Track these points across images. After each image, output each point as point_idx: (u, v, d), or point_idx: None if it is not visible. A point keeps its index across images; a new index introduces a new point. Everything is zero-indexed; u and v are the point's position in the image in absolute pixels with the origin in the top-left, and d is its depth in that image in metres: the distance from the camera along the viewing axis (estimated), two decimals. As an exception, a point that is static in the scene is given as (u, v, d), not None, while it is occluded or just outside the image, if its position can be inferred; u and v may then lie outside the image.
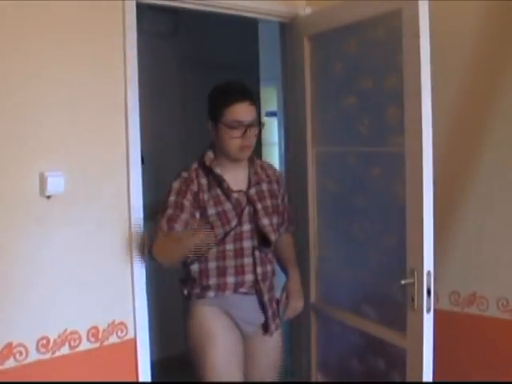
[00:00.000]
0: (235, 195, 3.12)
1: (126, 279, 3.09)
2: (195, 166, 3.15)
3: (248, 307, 3.17)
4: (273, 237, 3.21)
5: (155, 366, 3.55)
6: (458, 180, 3.54)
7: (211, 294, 3.12)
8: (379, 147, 3.24)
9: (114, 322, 3.04)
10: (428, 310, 2.85)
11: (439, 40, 3.04)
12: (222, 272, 3.10)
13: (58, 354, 2.88)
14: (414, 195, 2.86)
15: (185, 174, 3.11)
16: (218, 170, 3.10)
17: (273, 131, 7.84)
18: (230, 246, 3.10)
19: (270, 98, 7.68)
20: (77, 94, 2.90)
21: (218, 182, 3.11)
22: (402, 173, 2.93)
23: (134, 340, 3.12)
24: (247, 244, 3.14)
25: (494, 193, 3.43)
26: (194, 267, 3.12)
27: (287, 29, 3.90)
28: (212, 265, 3.11)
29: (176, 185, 3.08)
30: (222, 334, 3.12)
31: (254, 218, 3.15)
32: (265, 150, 6.91)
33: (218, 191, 3.11)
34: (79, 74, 2.91)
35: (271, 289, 3.26)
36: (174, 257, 2.95)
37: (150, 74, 4.85)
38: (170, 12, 4.95)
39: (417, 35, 2.82)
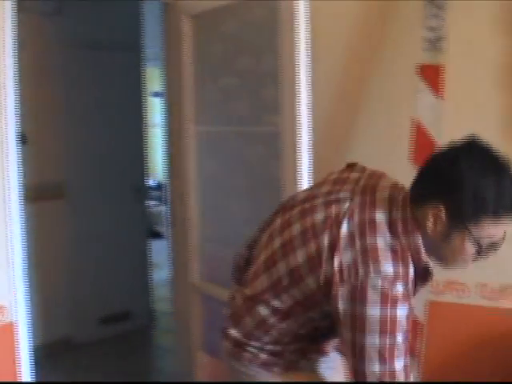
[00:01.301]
0: None
1: (3, 261, 3.02)
2: (411, 271, 1.93)
3: None
4: None
5: (39, 351, 3.51)
6: (335, 157, 3.61)
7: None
8: (257, 126, 3.27)
9: (-9, 305, 2.98)
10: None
11: (315, 21, 3.09)
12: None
13: None
14: (290, 173, 2.91)
15: (401, 288, 1.88)
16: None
17: (157, 112, 7.83)
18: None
19: (156, 78, 7.66)
20: None
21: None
22: (277, 152, 2.97)
23: (13, 324, 3.05)
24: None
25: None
26: None
27: (169, 8, 3.87)
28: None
29: (401, 316, 1.86)
30: None
31: None
32: (148, 132, 6.87)
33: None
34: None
35: None
36: None
37: (31, 54, 4.76)
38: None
39: (293, 15, 2.86)
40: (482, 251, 1.90)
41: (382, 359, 1.85)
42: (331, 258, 1.92)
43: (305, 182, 2.86)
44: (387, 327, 1.83)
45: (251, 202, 3.36)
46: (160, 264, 6.40)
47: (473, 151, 1.90)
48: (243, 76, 3.33)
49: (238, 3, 3.29)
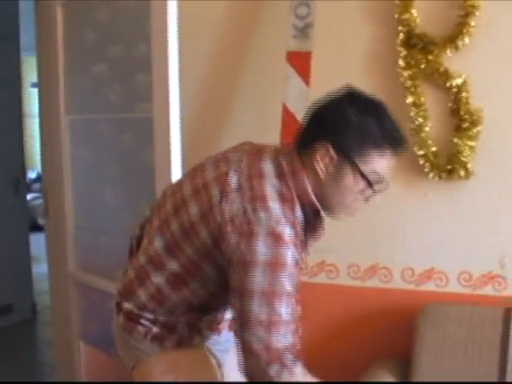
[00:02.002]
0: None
1: None
2: (298, 213, 2.02)
3: None
4: None
5: None
6: (206, 144, 3.64)
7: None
8: (129, 113, 3.27)
9: None
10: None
11: (187, 10, 3.12)
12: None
13: None
14: (162, 161, 2.91)
15: (289, 231, 1.94)
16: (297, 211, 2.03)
17: (35, 102, 7.67)
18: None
19: (34, 69, 7.50)
20: None
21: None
22: (149, 138, 2.98)
23: None
24: None
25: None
26: None
27: (41, -4, 3.81)
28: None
29: (288, 256, 1.92)
30: None
31: None
32: (25, 123, 6.73)
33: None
34: None
35: None
36: None
37: None
38: None
39: (164, 2, 2.87)
40: (370, 188, 2.02)
41: (268, 301, 1.87)
42: (222, 208, 1.96)
43: (177, 168, 2.88)
44: (276, 267, 1.87)
45: (125, 190, 3.35)
46: (42, 257, 6.29)
47: (354, 96, 2.05)
48: (115, 63, 3.31)
49: (110, -10, 3.28)
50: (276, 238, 1.90)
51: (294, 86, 3.20)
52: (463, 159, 3.09)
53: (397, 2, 3.15)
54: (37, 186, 9.22)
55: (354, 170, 1.98)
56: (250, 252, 1.89)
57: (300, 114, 3.14)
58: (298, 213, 2.00)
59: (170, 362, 2.24)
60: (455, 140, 3.10)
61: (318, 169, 2.01)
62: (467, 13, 3.03)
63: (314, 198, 2.03)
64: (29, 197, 7.30)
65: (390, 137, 1.99)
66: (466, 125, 3.08)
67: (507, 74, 3.10)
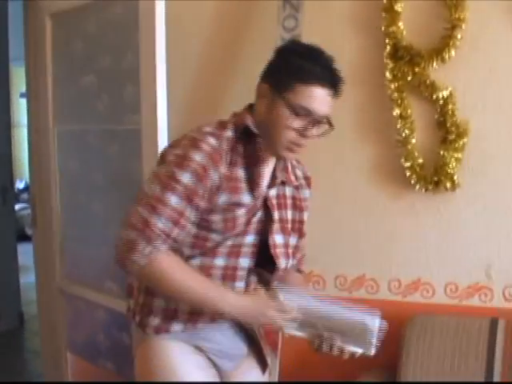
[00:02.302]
0: (257, 193, 2.16)
1: None
2: (229, 133, 2.13)
3: (227, 343, 2.29)
4: (283, 263, 2.25)
5: None
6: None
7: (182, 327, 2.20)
8: (117, 125, 3.28)
9: None
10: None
11: (175, 20, 3.14)
12: None
13: None
14: (150, 171, 2.91)
15: (212, 141, 2.07)
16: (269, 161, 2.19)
17: (24, 113, 7.67)
18: (220, 261, 2.14)
19: (23, 79, 7.50)
20: None
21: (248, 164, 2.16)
22: (137, 149, 2.99)
23: None
24: (244, 263, 2.18)
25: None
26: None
27: (30, 7, 3.81)
28: None
29: (197, 157, 2.02)
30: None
31: (265, 230, 2.20)
32: (14, 133, 6.74)
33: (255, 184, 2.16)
34: None
35: None
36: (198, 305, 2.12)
37: None
38: None
39: (152, 14, 2.88)
40: (303, 125, 2.08)
41: (162, 185, 1.99)
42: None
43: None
44: (180, 162, 2.00)
45: (112, 201, 3.35)
46: (30, 267, 6.28)
47: (293, 43, 2.33)
48: (104, 75, 3.33)
49: (98, 2, 3.28)
50: (192, 142, 2.04)
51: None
52: (449, 171, 3.10)
53: (384, 15, 3.17)
54: (25, 195, 9.21)
55: (286, 105, 2.07)
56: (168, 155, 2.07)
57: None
58: (229, 132, 2.11)
59: None
60: (441, 152, 3.11)
61: (259, 107, 2.16)
62: (453, 25, 3.05)
63: (249, 121, 2.15)
64: (17, 207, 7.30)
65: (319, 73, 2.07)
66: (452, 137, 3.10)
67: (493, 86, 3.12)
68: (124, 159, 3.23)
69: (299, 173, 2.37)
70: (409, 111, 3.17)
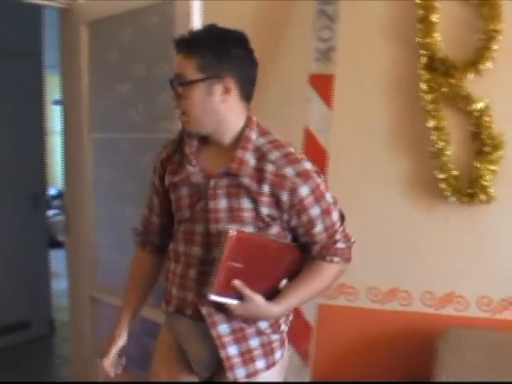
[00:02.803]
0: (191, 170, 2.24)
1: None
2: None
3: (192, 337, 2.32)
4: None
5: None
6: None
7: (163, 307, 2.38)
8: (151, 133, 3.30)
9: None
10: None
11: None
12: (170, 278, 2.34)
13: None
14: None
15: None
16: (187, 139, 2.27)
17: (57, 120, 7.73)
18: (181, 247, 2.28)
19: (58, 86, 7.55)
20: None
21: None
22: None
23: None
24: (196, 251, 2.24)
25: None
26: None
27: (66, 15, 3.84)
28: (168, 264, 2.38)
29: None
30: (164, 375, 2.43)
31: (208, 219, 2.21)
32: (49, 139, 6.79)
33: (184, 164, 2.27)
34: None
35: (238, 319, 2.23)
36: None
37: None
38: None
39: (187, 19, 2.90)
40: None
41: None
42: None
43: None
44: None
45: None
46: (61, 273, 6.32)
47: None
48: (138, 83, 3.35)
49: (133, 12, 3.30)
50: None
51: (315, 109, 3.22)
52: (484, 183, 3.08)
53: (419, 26, 3.16)
54: (57, 202, 9.26)
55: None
56: None
57: (322, 137, 3.15)
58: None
59: None
60: (476, 164, 3.10)
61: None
62: (489, 37, 3.04)
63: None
64: (48, 213, 7.32)
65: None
66: (487, 149, 3.08)
67: (529, 99, 3.10)
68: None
69: (270, 168, 2.13)
70: (444, 123, 3.16)
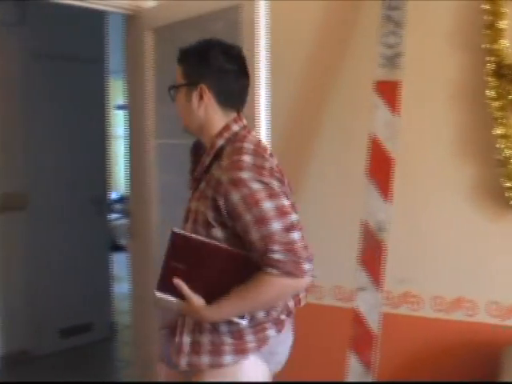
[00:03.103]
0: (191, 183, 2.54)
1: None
2: None
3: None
4: None
5: None
6: (292, 172, 3.65)
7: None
8: (217, 139, 3.30)
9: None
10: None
11: (275, 38, 3.15)
12: None
13: None
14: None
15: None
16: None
17: (120, 124, 7.81)
18: None
19: (121, 91, 7.63)
20: None
21: None
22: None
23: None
24: None
25: (327, 184, 3.59)
26: None
27: (131, 21, 3.89)
28: None
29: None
30: None
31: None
32: (112, 144, 6.87)
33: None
34: None
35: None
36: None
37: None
38: (15, 1, 4.85)
39: (254, 30, 2.91)
40: None
41: None
42: None
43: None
44: None
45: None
46: (122, 277, 6.38)
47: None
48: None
49: (199, 17, 3.32)
50: None
51: (381, 116, 3.19)
52: (551, 193, 3.03)
53: (486, 32, 3.12)
54: (118, 206, 9.37)
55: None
56: None
57: (388, 144, 3.13)
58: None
59: None
60: (544, 173, 3.05)
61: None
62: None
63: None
64: (110, 217, 7.41)
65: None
66: (555, 158, 3.03)
67: None
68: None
69: (216, 173, 2.26)
70: (511, 131, 3.11)
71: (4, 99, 5.10)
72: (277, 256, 2.12)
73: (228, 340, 2.30)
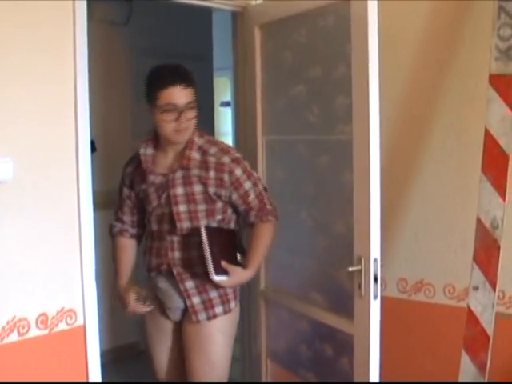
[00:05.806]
0: (152, 177, 3.10)
1: (75, 266, 3.05)
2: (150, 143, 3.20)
3: (168, 291, 3.16)
4: (184, 224, 3.05)
5: (107, 355, 3.54)
6: (404, 168, 3.62)
7: (148, 274, 3.27)
8: (328, 135, 3.29)
9: (63, 308, 3.01)
10: (375, 297, 2.89)
11: (386, 30, 3.10)
12: (149, 251, 3.22)
13: (6, 341, 2.84)
14: (361, 183, 2.90)
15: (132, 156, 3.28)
16: (141, 151, 3.13)
17: (227, 121, 7.88)
18: (154, 227, 3.15)
19: (225, 88, 7.70)
20: (25, 82, 2.83)
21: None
22: (349, 161, 2.98)
23: (84, 327, 3.09)
24: (165, 227, 3.10)
25: (439, 180, 3.51)
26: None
27: (239, 18, 3.91)
28: (147, 243, 3.26)
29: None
30: (150, 320, 3.35)
31: (170, 202, 3.06)
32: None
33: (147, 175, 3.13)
34: (28, 61, 2.81)
35: (199, 275, 3.04)
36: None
37: (100, 62, 4.84)
38: (122, 0, 4.93)
39: (365, 25, 2.85)
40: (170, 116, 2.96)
41: None
42: None
43: (376, 190, 2.86)
44: None
45: (321, 211, 3.37)
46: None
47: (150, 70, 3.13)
48: (314, 85, 3.34)
49: (308, 13, 3.30)
50: None
51: (496, 111, 3.10)
52: None
53: None
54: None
55: (158, 109, 2.98)
56: None
57: (502, 140, 3.04)
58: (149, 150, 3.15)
59: None
60: None
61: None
62: None
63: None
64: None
65: (168, 77, 3.01)
66: None
67: None
68: (334, 170, 3.23)
69: (211, 159, 3.03)
70: None
71: (109, 95, 5.19)
72: (269, 207, 3.13)
73: (228, 289, 3.12)
